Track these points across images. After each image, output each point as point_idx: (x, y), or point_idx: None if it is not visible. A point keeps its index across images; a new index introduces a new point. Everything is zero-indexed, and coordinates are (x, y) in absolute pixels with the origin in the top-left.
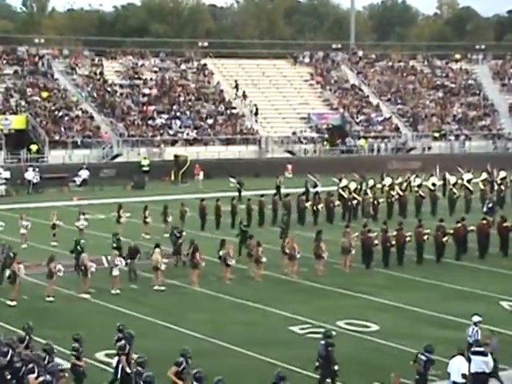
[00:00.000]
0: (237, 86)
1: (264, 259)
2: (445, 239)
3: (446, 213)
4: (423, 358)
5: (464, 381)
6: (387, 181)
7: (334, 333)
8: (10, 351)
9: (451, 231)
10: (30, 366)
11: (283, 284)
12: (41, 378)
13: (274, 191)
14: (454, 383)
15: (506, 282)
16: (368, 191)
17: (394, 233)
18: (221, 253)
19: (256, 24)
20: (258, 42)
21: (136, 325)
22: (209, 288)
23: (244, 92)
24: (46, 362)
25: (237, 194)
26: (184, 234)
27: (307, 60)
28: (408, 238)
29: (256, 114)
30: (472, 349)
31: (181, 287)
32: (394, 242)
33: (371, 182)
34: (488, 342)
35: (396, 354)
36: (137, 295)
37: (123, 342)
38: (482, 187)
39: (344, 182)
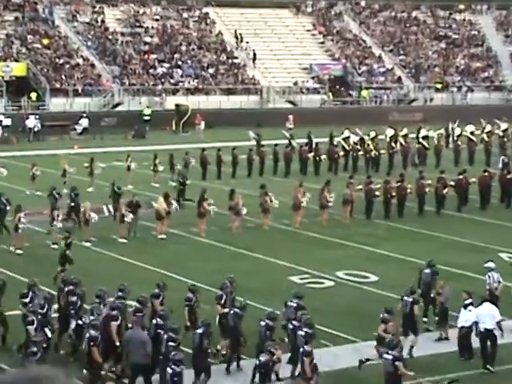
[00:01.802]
0: (236, 35)
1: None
2: (445, 191)
3: (450, 165)
4: (409, 299)
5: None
6: (389, 132)
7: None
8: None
9: (453, 183)
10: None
11: (283, 234)
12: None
13: (275, 142)
14: (487, 330)
15: (506, 234)
16: (369, 143)
17: (396, 184)
18: (231, 203)
19: None
20: None
21: (137, 274)
22: (210, 238)
23: (241, 39)
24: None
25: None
26: (188, 182)
27: (310, 10)
28: (409, 190)
29: (254, 59)
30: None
31: (183, 237)
32: (394, 194)
33: (373, 134)
34: (441, 292)
35: (395, 305)
36: (138, 244)
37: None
38: (487, 139)
39: (346, 133)
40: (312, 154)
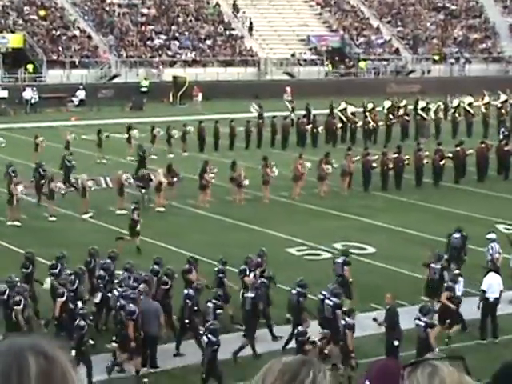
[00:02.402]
0: (234, 6)
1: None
2: (442, 163)
3: (448, 136)
4: (437, 266)
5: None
6: (386, 104)
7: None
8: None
9: (450, 155)
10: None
11: (281, 206)
12: None
13: (273, 114)
14: (496, 299)
15: (503, 206)
16: (367, 114)
17: (393, 156)
18: (233, 174)
19: None
20: None
21: (134, 246)
22: (207, 210)
23: (238, 10)
24: None
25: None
26: (186, 154)
27: None
28: (406, 162)
29: (251, 29)
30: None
31: (181, 209)
32: (392, 166)
33: (370, 106)
34: (429, 263)
35: (391, 276)
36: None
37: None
38: (484, 111)
39: (342, 105)
40: (310, 125)
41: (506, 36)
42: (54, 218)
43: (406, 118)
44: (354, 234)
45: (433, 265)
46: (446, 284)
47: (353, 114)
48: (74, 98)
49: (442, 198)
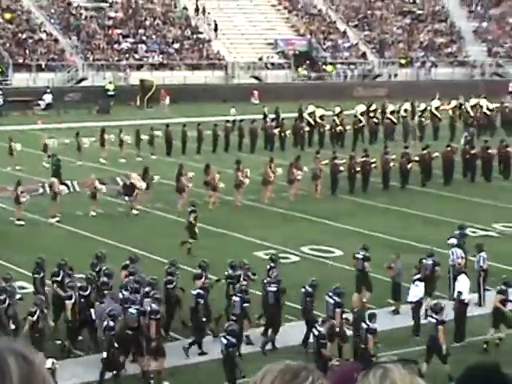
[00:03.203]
0: (197, 8)
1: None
2: (409, 166)
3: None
4: (429, 262)
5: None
6: (360, 108)
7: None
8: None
9: (417, 158)
10: None
11: (248, 210)
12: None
13: (241, 117)
14: (464, 301)
15: (469, 209)
16: (335, 118)
17: (361, 159)
18: (207, 178)
19: None
20: None
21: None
22: (174, 214)
23: (204, 11)
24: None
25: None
26: (154, 157)
27: None
28: (373, 165)
29: (216, 29)
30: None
31: (148, 212)
32: (359, 169)
33: (338, 109)
34: (392, 266)
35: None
36: (104, 221)
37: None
38: (452, 114)
39: (311, 109)
40: (278, 129)
41: (472, 40)
42: (22, 222)
43: (375, 121)
44: (321, 238)
45: (425, 260)
46: (499, 287)
47: (322, 117)
48: (40, 102)
49: (408, 201)
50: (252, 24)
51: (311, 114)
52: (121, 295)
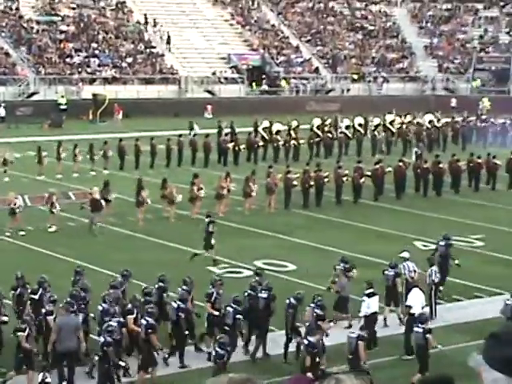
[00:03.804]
0: (147, 22)
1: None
2: (362, 180)
3: (367, 154)
4: (390, 273)
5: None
6: (316, 121)
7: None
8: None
9: (369, 173)
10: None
11: (200, 224)
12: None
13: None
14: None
15: (421, 223)
16: (292, 132)
17: (313, 174)
18: (164, 192)
19: None
20: None
21: (56, 266)
22: (127, 228)
23: (155, 24)
24: None
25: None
26: (106, 172)
27: (228, 0)
28: (326, 179)
29: (168, 42)
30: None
31: (101, 227)
32: (312, 183)
33: (294, 123)
34: (336, 280)
35: (312, 293)
36: (55, 235)
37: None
38: (405, 129)
39: (266, 123)
40: (232, 143)
41: (422, 56)
42: None
43: (329, 136)
44: (275, 252)
45: (387, 272)
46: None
47: (278, 132)
48: None
49: (361, 216)
50: (205, 38)
51: (266, 129)
52: (100, 307)
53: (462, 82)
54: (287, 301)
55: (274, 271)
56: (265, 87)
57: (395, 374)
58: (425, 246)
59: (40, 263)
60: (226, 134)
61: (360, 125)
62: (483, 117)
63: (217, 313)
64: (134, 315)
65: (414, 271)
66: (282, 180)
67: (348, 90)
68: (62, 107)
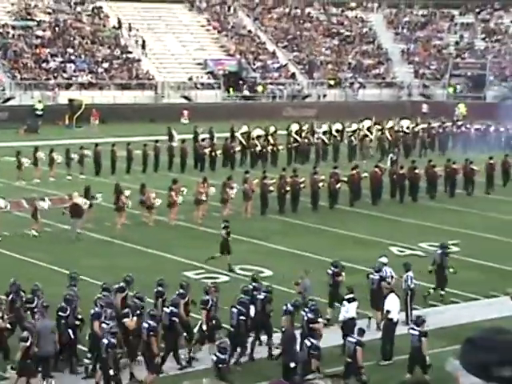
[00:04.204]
0: (120, 26)
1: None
2: (338, 186)
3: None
4: (375, 277)
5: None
6: (294, 127)
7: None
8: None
9: (345, 178)
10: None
11: (177, 230)
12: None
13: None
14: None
15: (397, 228)
16: (270, 138)
17: (290, 179)
18: (143, 197)
19: None
20: None
21: (30, 271)
22: (103, 233)
23: (130, 28)
24: None
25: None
26: (83, 177)
27: (204, 5)
28: (302, 185)
29: (143, 47)
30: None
31: (79, 233)
32: (288, 189)
33: (272, 129)
34: (299, 282)
35: (288, 299)
36: (31, 241)
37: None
38: (381, 135)
39: (244, 128)
40: (209, 149)
41: (399, 62)
42: None
43: (307, 141)
44: (251, 257)
45: (371, 275)
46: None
47: (258, 137)
48: None
49: (337, 221)
50: (182, 44)
51: (244, 134)
52: (92, 311)
53: (438, 87)
54: (284, 307)
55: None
56: (246, 92)
57: (373, 380)
58: (400, 251)
59: (15, 268)
60: (203, 140)
61: (337, 131)
62: (459, 123)
63: (205, 327)
64: (130, 317)
65: (392, 277)
66: (258, 185)
67: (324, 95)
68: (38, 112)
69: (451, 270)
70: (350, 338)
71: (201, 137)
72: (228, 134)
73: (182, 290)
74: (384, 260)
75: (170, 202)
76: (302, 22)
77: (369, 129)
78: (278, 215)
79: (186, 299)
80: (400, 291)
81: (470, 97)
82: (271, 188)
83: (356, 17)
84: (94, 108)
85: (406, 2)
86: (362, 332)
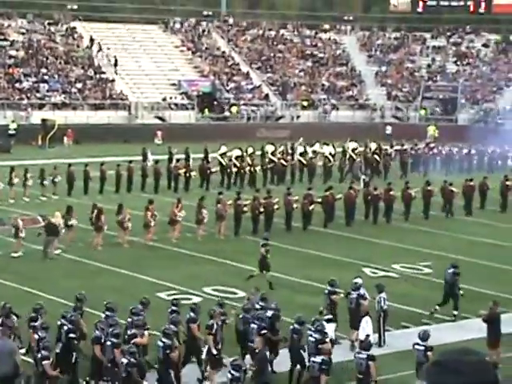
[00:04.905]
0: (94, 46)
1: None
2: (311, 207)
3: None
4: (353, 296)
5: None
6: (269, 148)
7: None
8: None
9: (319, 200)
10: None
11: (150, 250)
12: None
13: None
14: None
15: (370, 250)
16: (247, 159)
17: (263, 201)
18: (119, 217)
19: None
20: (129, 7)
21: (2, 292)
22: (76, 254)
23: (100, 48)
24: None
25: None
26: (56, 197)
27: (178, 26)
28: (276, 206)
29: (115, 65)
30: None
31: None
32: (262, 210)
33: (250, 150)
34: (251, 298)
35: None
36: (4, 262)
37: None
38: (354, 157)
39: (223, 149)
40: (183, 170)
41: (372, 84)
42: None
43: (283, 162)
44: (224, 279)
45: (351, 295)
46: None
47: (237, 157)
48: None
49: (311, 242)
50: (156, 65)
51: (223, 155)
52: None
53: (411, 110)
54: (291, 326)
55: (224, 298)
56: (227, 113)
57: None
58: (373, 272)
59: None
60: (178, 160)
61: (314, 152)
62: (431, 145)
63: (215, 351)
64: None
65: (365, 298)
66: (232, 206)
67: (298, 116)
68: (11, 132)
69: (461, 292)
70: (360, 355)
71: (175, 157)
72: (201, 155)
73: (192, 314)
74: (359, 281)
75: (146, 222)
76: (275, 43)
77: (354, 150)
78: (251, 236)
79: (198, 322)
80: (372, 313)
81: (442, 119)
82: (245, 209)
83: (329, 39)
84: (66, 128)
85: (378, 25)
86: (370, 346)
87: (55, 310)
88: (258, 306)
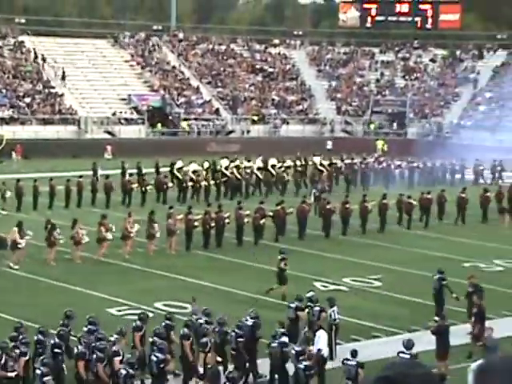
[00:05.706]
0: (39, 59)
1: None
2: (262, 221)
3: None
4: (316, 309)
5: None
6: (223, 163)
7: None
8: None
9: (271, 213)
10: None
11: (101, 266)
12: None
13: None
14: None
15: (321, 263)
16: (203, 173)
17: (214, 215)
18: (72, 232)
19: (75, 2)
20: (78, 21)
21: None
22: (25, 270)
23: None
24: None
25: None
26: (4, 213)
27: (127, 40)
28: (227, 220)
29: (63, 78)
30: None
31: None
32: (213, 224)
33: (206, 164)
34: (193, 308)
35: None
36: None
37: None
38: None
39: (179, 164)
40: (136, 185)
41: (321, 98)
42: None
43: (238, 176)
44: (176, 294)
45: (313, 309)
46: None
47: (194, 172)
48: None
49: (262, 257)
50: (105, 79)
51: (180, 170)
52: (76, 349)
53: (360, 124)
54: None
55: (175, 313)
56: (185, 127)
57: None
58: (324, 286)
59: None
60: (131, 175)
61: (273, 166)
62: (381, 159)
63: (201, 370)
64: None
65: (320, 311)
66: (182, 221)
67: (248, 131)
68: None
69: (454, 295)
70: (349, 362)
71: (128, 172)
72: (152, 170)
73: (186, 330)
74: (311, 295)
75: (99, 237)
76: (225, 58)
77: (321, 164)
78: (202, 251)
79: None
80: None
81: (391, 133)
82: (196, 223)
83: (279, 53)
84: (14, 143)
85: (328, 40)
86: (356, 353)
87: (5, 327)
88: (201, 318)
